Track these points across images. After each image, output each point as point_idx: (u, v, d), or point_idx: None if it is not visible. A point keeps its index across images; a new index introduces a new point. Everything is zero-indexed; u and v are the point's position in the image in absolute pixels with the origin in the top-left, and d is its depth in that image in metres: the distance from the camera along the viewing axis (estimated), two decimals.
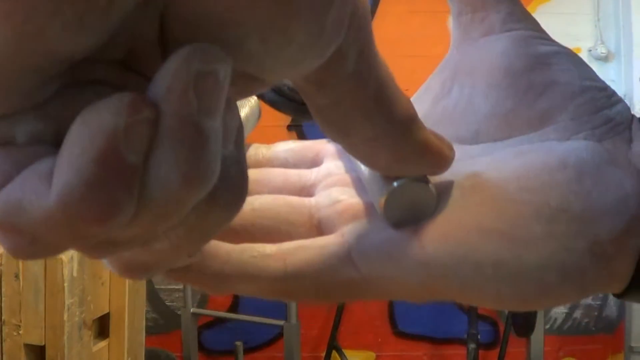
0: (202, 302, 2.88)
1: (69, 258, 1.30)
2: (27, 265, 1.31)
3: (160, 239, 0.15)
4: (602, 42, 2.77)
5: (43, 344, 1.31)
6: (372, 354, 2.93)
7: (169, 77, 0.13)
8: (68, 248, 0.14)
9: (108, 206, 0.12)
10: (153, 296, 2.84)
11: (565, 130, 0.22)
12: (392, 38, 2.67)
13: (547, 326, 2.80)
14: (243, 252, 0.21)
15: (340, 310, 2.84)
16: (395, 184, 0.21)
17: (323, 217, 0.23)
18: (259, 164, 0.26)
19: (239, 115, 0.15)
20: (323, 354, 2.85)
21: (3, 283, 1.32)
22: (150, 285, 2.74)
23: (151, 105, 0.13)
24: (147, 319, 1.80)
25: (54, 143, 0.13)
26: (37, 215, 0.13)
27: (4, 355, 1.31)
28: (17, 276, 1.32)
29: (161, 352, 2.47)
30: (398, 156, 0.20)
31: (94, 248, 0.15)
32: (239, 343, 2.45)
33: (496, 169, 0.21)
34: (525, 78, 0.23)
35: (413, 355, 2.91)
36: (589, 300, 2.90)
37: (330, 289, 0.21)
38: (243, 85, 0.16)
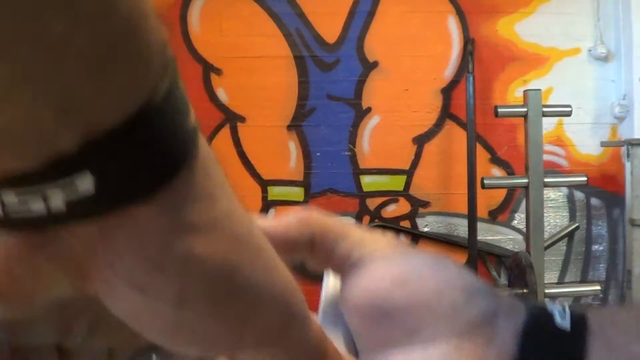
0: None
1: None
2: None
3: None
4: (602, 42, 2.77)
5: None
6: None
7: None
8: None
9: None
10: None
11: (428, 339, 0.25)
12: (392, 38, 2.67)
13: None
14: None
15: None
16: None
17: None
18: None
19: None
20: None
21: None
22: None
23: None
24: None
25: None
26: None
27: None
28: None
29: None
30: None
31: None
32: None
33: None
34: (389, 300, 0.26)
35: None
36: (588, 300, 2.90)
37: None
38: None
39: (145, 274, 0.18)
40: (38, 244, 0.17)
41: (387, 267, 0.27)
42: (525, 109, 2.29)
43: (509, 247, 2.73)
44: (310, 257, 0.29)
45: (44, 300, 0.19)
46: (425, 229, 2.71)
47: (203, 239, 0.18)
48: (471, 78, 2.54)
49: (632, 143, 2.49)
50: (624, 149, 2.61)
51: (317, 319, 0.31)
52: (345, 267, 0.28)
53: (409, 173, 2.67)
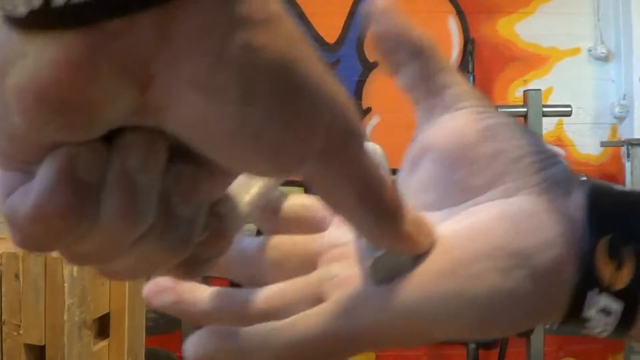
0: None
1: None
2: (27, 265, 1.31)
3: (118, 259, 0.20)
4: (602, 42, 2.77)
5: (43, 344, 1.31)
6: (372, 354, 2.93)
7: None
8: (51, 246, 0.19)
9: (65, 207, 0.18)
10: None
11: (510, 189, 0.26)
12: None
13: (547, 326, 2.80)
14: (258, 328, 0.26)
15: None
16: (378, 252, 0.25)
17: (323, 292, 0.28)
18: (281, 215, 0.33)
19: (202, 194, 0.21)
20: None
21: (3, 283, 1.32)
22: None
23: (102, 150, 0.18)
24: (147, 319, 1.80)
25: None
26: (22, 213, 0.18)
27: (4, 355, 1.31)
28: (17, 276, 1.32)
29: (161, 352, 2.47)
30: (377, 239, 0.25)
31: (71, 256, 0.20)
32: None
33: (452, 228, 0.26)
34: (475, 150, 0.27)
35: (413, 355, 2.91)
36: None
37: (331, 348, 0.26)
38: (221, 178, 0.22)
39: (208, 71, 0.17)
40: (98, 44, 0.16)
41: (479, 120, 0.28)
42: (525, 109, 2.29)
43: None
44: (410, 63, 0.29)
45: (106, 118, 0.17)
46: None
47: (262, 31, 0.18)
48: (471, 78, 2.54)
49: (632, 143, 2.49)
50: (624, 149, 2.61)
51: None
52: (437, 101, 0.29)
53: None
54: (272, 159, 0.19)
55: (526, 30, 2.76)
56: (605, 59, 2.78)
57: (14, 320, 1.32)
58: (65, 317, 1.30)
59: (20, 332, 1.31)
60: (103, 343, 1.52)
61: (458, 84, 0.29)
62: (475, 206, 0.27)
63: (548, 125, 2.64)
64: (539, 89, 2.35)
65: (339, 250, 0.29)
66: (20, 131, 0.17)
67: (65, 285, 1.30)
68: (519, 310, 0.25)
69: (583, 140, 2.79)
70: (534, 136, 0.29)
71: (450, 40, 2.72)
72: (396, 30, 0.29)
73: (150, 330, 2.21)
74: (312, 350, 0.26)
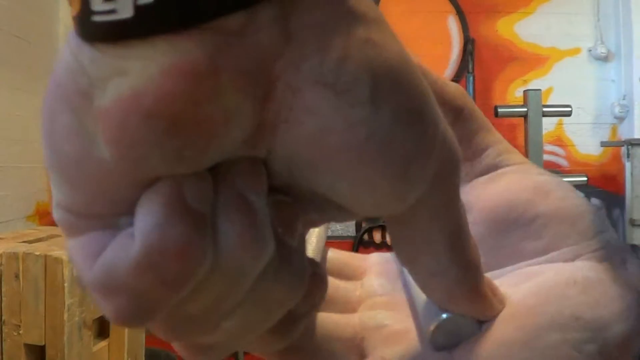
0: None
1: (69, 258, 1.30)
2: (27, 266, 1.31)
3: (229, 317, 0.17)
4: (602, 42, 2.77)
5: (43, 344, 1.31)
6: None
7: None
8: (160, 307, 0.15)
9: (184, 242, 0.14)
10: None
11: (569, 254, 0.24)
12: None
13: None
14: None
15: None
16: (444, 315, 0.23)
17: (367, 339, 0.25)
18: None
19: (301, 223, 0.18)
20: None
21: (3, 283, 1.32)
22: None
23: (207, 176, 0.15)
24: None
25: None
26: (126, 266, 0.15)
27: (4, 355, 1.31)
28: (17, 276, 1.32)
29: (161, 352, 2.47)
30: (452, 297, 0.22)
31: (175, 325, 0.17)
32: None
33: (513, 290, 0.23)
34: (530, 210, 0.25)
35: None
36: None
37: None
38: (333, 212, 0.18)
39: (335, 69, 0.15)
40: (217, 47, 0.13)
41: (528, 178, 0.26)
42: (525, 109, 2.29)
43: None
44: (451, 126, 0.27)
45: (222, 143, 0.15)
46: None
47: (376, 29, 0.16)
48: (471, 78, 2.54)
49: (632, 143, 2.49)
50: (624, 149, 2.61)
51: None
52: (475, 163, 0.27)
53: None
54: (399, 176, 0.16)
55: (526, 30, 2.76)
56: (605, 59, 2.78)
57: (14, 320, 1.32)
58: (65, 317, 1.30)
59: (20, 332, 1.31)
60: (103, 343, 1.52)
61: (499, 142, 0.27)
62: (532, 267, 0.24)
63: (548, 125, 2.64)
64: (539, 89, 2.35)
65: (383, 299, 0.27)
66: (109, 169, 0.14)
67: (65, 285, 1.30)
68: None
69: (583, 140, 2.79)
70: (581, 194, 0.26)
71: (450, 40, 2.72)
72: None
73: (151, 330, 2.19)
74: None
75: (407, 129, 0.16)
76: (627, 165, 2.54)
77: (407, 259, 0.21)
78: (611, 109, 2.78)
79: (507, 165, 0.27)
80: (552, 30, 2.77)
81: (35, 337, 1.31)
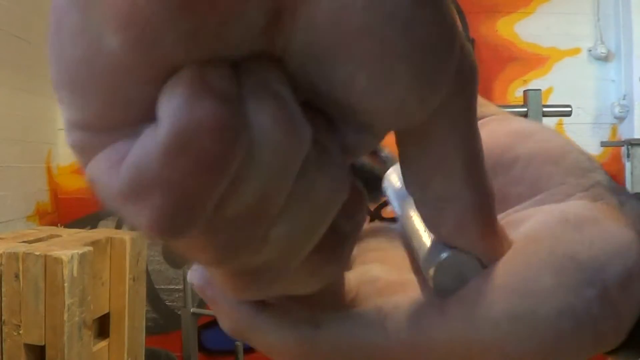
0: (202, 302, 2.88)
1: (69, 258, 1.30)
2: (27, 266, 1.31)
3: (276, 223, 0.16)
4: (602, 42, 2.77)
5: (43, 344, 1.31)
6: None
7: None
8: (200, 201, 0.14)
9: (212, 116, 0.13)
10: (153, 296, 2.84)
11: (558, 195, 0.23)
12: None
13: None
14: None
15: None
16: (444, 255, 0.21)
17: (361, 292, 0.23)
18: None
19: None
20: None
21: (3, 283, 1.32)
22: (150, 285, 2.74)
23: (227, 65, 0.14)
24: (147, 319, 1.80)
25: None
26: (156, 155, 0.13)
27: (4, 355, 1.31)
28: (17, 276, 1.32)
29: (161, 352, 2.47)
30: (463, 228, 0.20)
31: (220, 239, 0.15)
32: (239, 343, 2.45)
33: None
34: (510, 153, 0.24)
35: None
36: None
37: (360, 356, 0.22)
38: (356, 140, 0.17)
39: None
40: None
41: (507, 124, 0.25)
42: (525, 109, 2.29)
43: None
44: None
45: (239, 25, 0.14)
46: None
47: None
48: None
49: (632, 143, 2.49)
50: (624, 149, 2.61)
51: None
52: None
53: None
54: (420, 67, 0.16)
55: (526, 30, 2.76)
56: (605, 59, 2.78)
57: (14, 320, 1.32)
58: (65, 317, 1.30)
59: (20, 332, 1.31)
60: (103, 343, 1.52)
61: (480, 100, 0.27)
62: (521, 212, 0.23)
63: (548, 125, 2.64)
64: (539, 89, 2.35)
65: (378, 254, 0.26)
66: (120, 63, 0.13)
67: (65, 285, 1.29)
68: (586, 334, 0.21)
69: (583, 140, 2.79)
70: (570, 140, 0.25)
71: None
72: None
73: (150, 330, 2.20)
74: (338, 355, 0.22)
75: (427, 14, 0.15)
76: (627, 165, 2.54)
77: (418, 185, 0.20)
78: (611, 109, 2.78)
79: (489, 119, 0.26)
80: (552, 30, 2.76)
81: (35, 337, 1.31)
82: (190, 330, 2.52)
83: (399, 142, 0.19)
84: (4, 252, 1.32)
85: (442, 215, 0.20)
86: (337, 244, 0.19)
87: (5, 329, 1.31)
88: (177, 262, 2.85)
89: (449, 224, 0.20)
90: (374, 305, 0.22)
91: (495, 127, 0.25)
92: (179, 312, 2.71)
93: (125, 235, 1.57)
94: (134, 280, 1.59)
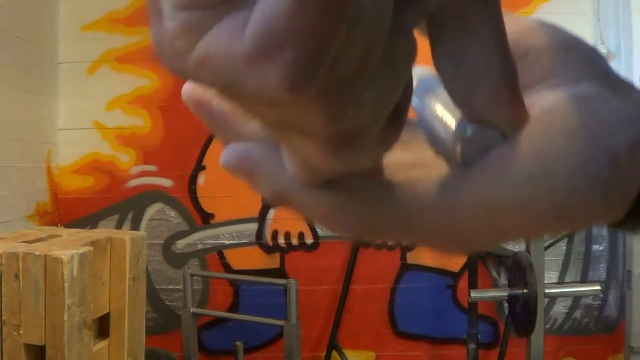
0: (202, 302, 2.88)
1: (69, 258, 1.30)
2: (27, 266, 1.31)
3: (370, 84, 0.17)
4: (602, 42, 2.77)
5: (43, 344, 1.31)
6: (372, 354, 2.93)
7: None
8: (326, 52, 0.14)
9: None
10: (153, 296, 2.84)
11: (568, 80, 0.25)
12: None
13: (547, 326, 2.80)
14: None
15: (340, 310, 2.84)
16: (469, 130, 0.23)
17: (389, 169, 0.25)
18: None
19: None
20: (323, 354, 2.85)
21: (3, 283, 1.32)
22: (150, 285, 2.74)
23: None
24: (147, 319, 1.80)
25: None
26: (285, 9, 0.14)
27: (4, 355, 1.32)
28: (17, 276, 1.32)
29: (161, 352, 2.47)
30: (496, 96, 0.22)
31: (329, 100, 0.16)
32: (239, 343, 2.45)
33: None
34: (522, 43, 0.26)
35: (413, 355, 2.91)
36: (589, 300, 2.90)
37: (392, 219, 0.24)
38: (413, 11, 0.19)
39: None
40: None
41: (518, 21, 0.27)
42: None
43: (509, 246, 2.73)
44: None
45: None
46: None
47: None
48: None
49: None
50: None
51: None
52: None
53: None
54: None
55: None
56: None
57: (14, 320, 1.32)
58: (65, 317, 1.30)
59: (20, 332, 1.31)
60: (103, 343, 1.52)
61: None
62: (533, 95, 0.25)
63: None
64: None
65: (399, 145, 0.26)
66: None
67: (65, 285, 1.30)
68: (597, 196, 0.22)
69: None
70: (578, 35, 0.27)
71: None
72: None
73: (150, 330, 2.21)
74: (355, 211, 0.24)
75: None
76: None
77: (456, 58, 0.22)
78: None
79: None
80: None
81: (35, 337, 1.31)
82: (190, 330, 2.52)
83: (438, 22, 0.21)
84: (4, 252, 1.32)
85: (476, 86, 0.22)
86: (396, 118, 0.20)
87: (5, 329, 1.32)
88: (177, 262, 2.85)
89: (483, 94, 0.22)
90: (403, 176, 0.24)
91: (506, 22, 0.27)
92: (179, 312, 2.71)
93: (125, 235, 1.58)
94: (134, 280, 1.59)
